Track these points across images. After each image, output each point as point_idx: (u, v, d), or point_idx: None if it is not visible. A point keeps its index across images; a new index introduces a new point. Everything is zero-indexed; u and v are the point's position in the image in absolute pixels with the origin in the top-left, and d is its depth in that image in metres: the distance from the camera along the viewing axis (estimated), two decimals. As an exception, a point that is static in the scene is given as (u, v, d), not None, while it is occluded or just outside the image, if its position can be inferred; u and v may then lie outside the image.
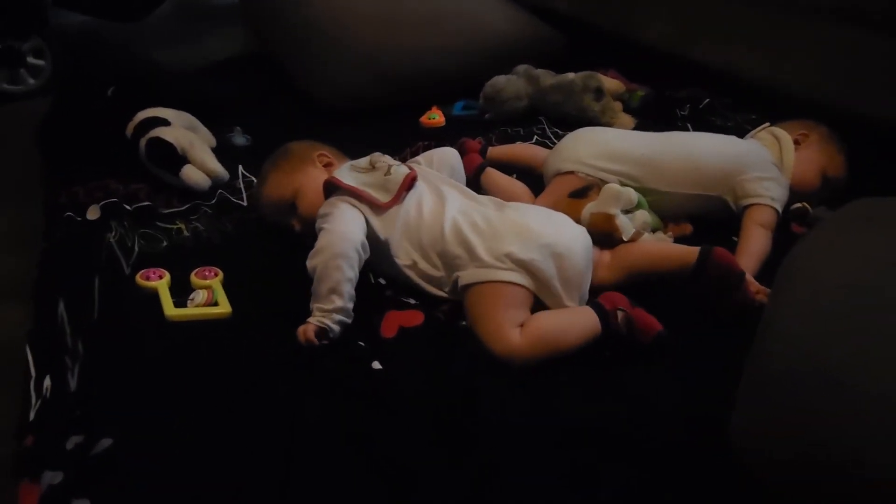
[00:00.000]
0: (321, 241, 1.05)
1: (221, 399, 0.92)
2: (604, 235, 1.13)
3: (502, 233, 1.04)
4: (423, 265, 1.08)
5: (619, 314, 0.98)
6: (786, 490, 0.71)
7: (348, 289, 1.02)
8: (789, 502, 0.72)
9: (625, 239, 1.12)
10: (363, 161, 1.18)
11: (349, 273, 1.02)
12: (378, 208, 1.10)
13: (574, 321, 1.00)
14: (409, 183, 1.12)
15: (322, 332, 1.00)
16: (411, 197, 1.12)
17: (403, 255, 1.09)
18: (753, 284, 1.09)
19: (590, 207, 1.17)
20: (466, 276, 1.03)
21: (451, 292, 1.07)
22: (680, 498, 0.81)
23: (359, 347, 1.01)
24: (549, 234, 1.04)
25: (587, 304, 1.02)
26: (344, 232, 1.05)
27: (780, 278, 0.83)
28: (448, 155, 1.26)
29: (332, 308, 1.00)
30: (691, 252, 1.07)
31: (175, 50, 1.92)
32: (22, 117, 1.76)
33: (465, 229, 1.06)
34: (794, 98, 1.47)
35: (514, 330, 0.99)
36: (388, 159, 1.17)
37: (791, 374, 0.69)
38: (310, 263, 1.04)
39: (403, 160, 1.26)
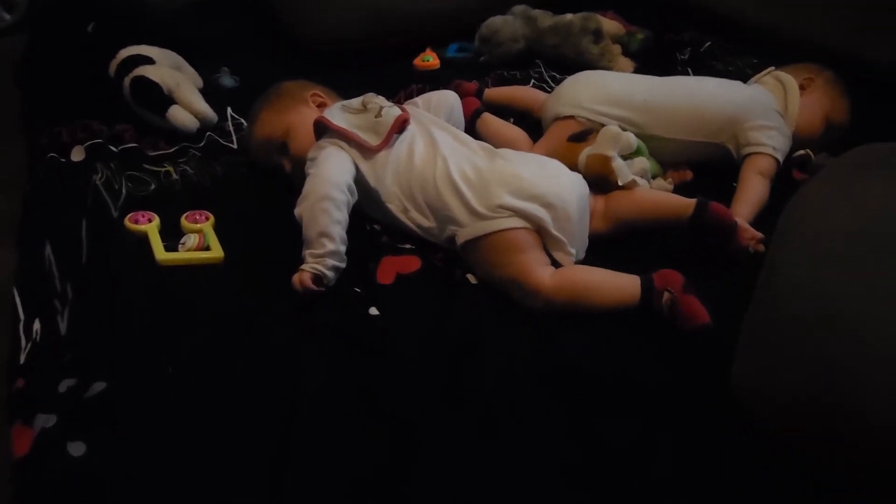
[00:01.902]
0: (306, 187, 1.04)
1: (216, 344, 0.91)
2: (600, 178, 1.11)
3: (493, 183, 1.02)
4: (414, 214, 1.06)
5: (666, 295, 0.94)
6: (790, 434, 0.72)
7: (338, 231, 1.00)
8: (793, 446, 0.73)
9: (620, 183, 1.11)
10: (355, 101, 1.14)
11: (337, 215, 1.00)
12: (367, 151, 1.07)
13: (612, 283, 0.98)
14: (400, 125, 1.09)
15: (317, 278, 0.98)
16: (402, 141, 1.09)
17: (395, 202, 1.07)
18: (748, 231, 1.09)
19: (587, 150, 1.15)
20: (465, 232, 1.01)
21: (447, 243, 1.05)
22: (681, 445, 0.82)
23: (355, 294, 1.00)
24: (541, 183, 1.02)
25: (641, 275, 0.97)
26: (329, 175, 1.03)
27: (783, 224, 0.82)
28: (447, 98, 1.22)
29: (324, 252, 0.98)
30: (687, 204, 1.05)
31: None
32: (-1, 55, 1.69)
33: (457, 179, 1.03)
34: (799, 42, 1.44)
35: (543, 268, 0.99)
36: (380, 100, 1.14)
37: (798, 320, 0.69)
38: (297, 210, 1.02)
39: (399, 103, 1.23)
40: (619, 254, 1.06)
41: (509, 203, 1.00)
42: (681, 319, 0.93)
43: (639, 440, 0.82)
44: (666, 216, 1.07)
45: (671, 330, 0.95)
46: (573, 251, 1.03)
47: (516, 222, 1.00)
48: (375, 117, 1.09)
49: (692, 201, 1.05)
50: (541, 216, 1.00)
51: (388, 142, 1.08)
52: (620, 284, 0.97)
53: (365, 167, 1.07)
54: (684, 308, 0.93)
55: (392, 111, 1.11)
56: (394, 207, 1.07)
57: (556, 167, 1.08)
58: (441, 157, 1.06)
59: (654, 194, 1.13)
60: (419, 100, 1.22)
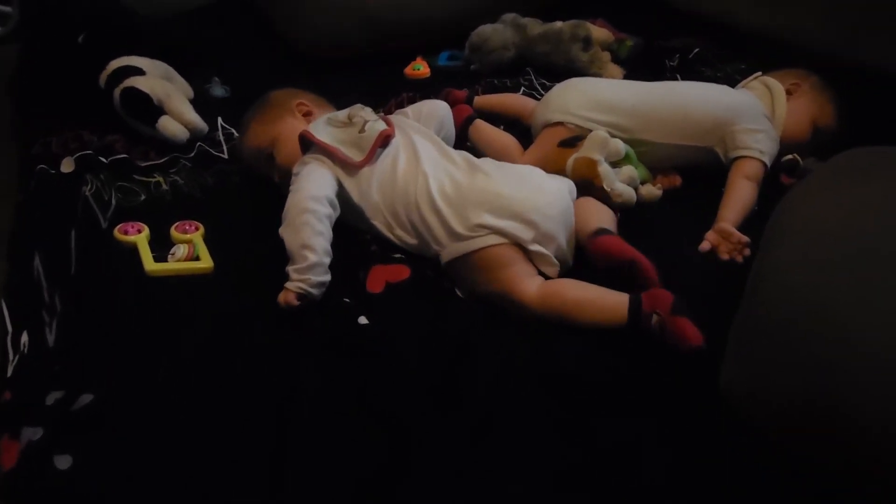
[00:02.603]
0: (288, 203, 1.04)
1: (205, 354, 0.91)
2: (585, 182, 1.11)
3: (471, 202, 1.01)
4: (398, 231, 1.06)
5: (655, 318, 0.91)
6: (781, 437, 0.72)
7: (320, 242, 0.99)
8: (785, 449, 0.73)
9: (605, 188, 1.11)
10: (341, 114, 1.14)
11: (318, 227, 1.00)
12: (351, 167, 1.07)
13: (599, 302, 0.95)
14: (383, 141, 1.09)
15: (301, 297, 0.97)
16: (386, 155, 1.09)
17: (380, 218, 1.06)
18: (735, 235, 1.08)
19: (574, 155, 1.15)
20: (447, 252, 1.01)
21: (433, 258, 1.04)
22: (676, 448, 0.82)
23: (344, 304, 1.00)
24: (521, 200, 1.01)
25: (630, 293, 0.94)
26: (309, 189, 1.03)
27: (772, 229, 0.83)
28: (437, 108, 1.22)
29: (306, 265, 0.97)
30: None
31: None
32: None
33: (436, 197, 1.03)
34: (787, 47, 1.45)
35: (528, 281, 0.98)
36: (366, 113, 1.13)
37: (788, 323, 0.69)
38: (281, 230, 1.02)
39: (388, 112, 1.23)
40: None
41: (488, 222, 0.99)
42: (672, 341, 0.90)
43: (633, 443, 0.82)
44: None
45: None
46: (557, 263, 1.02)
47: (496, 239, 0.99)
48: (359, 132, 1.09)
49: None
50: (519, 235, 0.99)
51: (370, 158, 1.08)
52: (607, 304, 0.95)
53: (349, 183, 1.07)
54: (674, 331, 0.90)
55: (376, 126, 1.10)
56: (379, 224, 1.07)
57: (539, 180, 1.06)
58: (422, 172, 1.05)
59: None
60: (409, 109, 1.22)
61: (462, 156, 1.10)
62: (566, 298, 0.96)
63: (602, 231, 1.03)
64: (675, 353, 0.90)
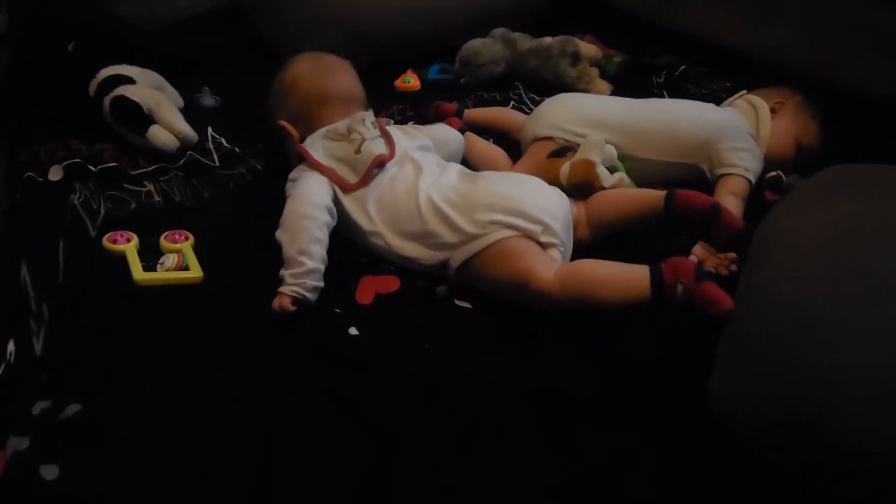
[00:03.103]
0: (286, 209, 1.04)
1: (193, 365, 0.91)
2: (584, 185, 1.12)
3: (479, 204, 1.02)
4: (400, 245, 1.05)
5: (679, 287, 0.89)
6: (769, 450, 0.73)
7: (318, 250, 1.00)
8: (772, 462, 0.74)
9: (605, 186, 1.12)
10: (341, 126, 1.13)
11: (316, 233, 1.01)
12: (346, 187, 1.08)
13: (619, 277, 0.93)
14: (378, 164, 1.08)
15: (296, 301, 0.97)
16: (384, 173, 1.08)
17: (378, 238, 1.06)
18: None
19: (569, 161, 1.16)
20: (459, 254, 1.01)
21: (438, 269, 1.04)
22: (662, 460, 0.82)
23: (334, 314, 1.00)
24: (526, 200, 1.02)
25: (649, 265, 0.93)
26: (308, 195, 1.04)
27: (757, 244, 0.84)
28: (451, 140, 1.22)
29: (302, 271, 0.98)
30: (658, 196, 1.04)
31: (140, 4, 1.84)
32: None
33: (441, 205, 1.03)
34: (772, 65, 1.47)
35: (546, 268, 0.97)
36: (365, 129, 1.12)
37: (777, 337, 0.70)
38: (277, 233, 1.03)
39: (390, 116, 1.23)
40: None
41: (498, 219, 1.00)
42: (700, 309, 0.87)
43: (619, 455, 0.83)
44: (643, 211, 1.05)
45: (652, 344, 0.95)
46: (564, 256, 1.03)
47: (508, 232, 1.00)
48: (355, 153, 1.09)
49: (662, 193, 1.03)
50: (530, 228, 1.00)
51: (365, 181, 1.07)
52: (628, 276, 0.93)
53: (345, 200, 1.07)
54: (702, 297, 0.87)
55: (372, 148, 1.09)
56: (376, 239, 1.06)
57: (539, 184, 1.08)
58: (423, 186, 1.05)
59: (629, 191, 1.12)
60: (424, 129, 1.21)
61: (460, 169, 1.11)
62: (586, 279, 0.95)
63: (671, 191, 1.04)
64: (667, 348, 0.91)
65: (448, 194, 1.04)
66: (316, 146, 1.12)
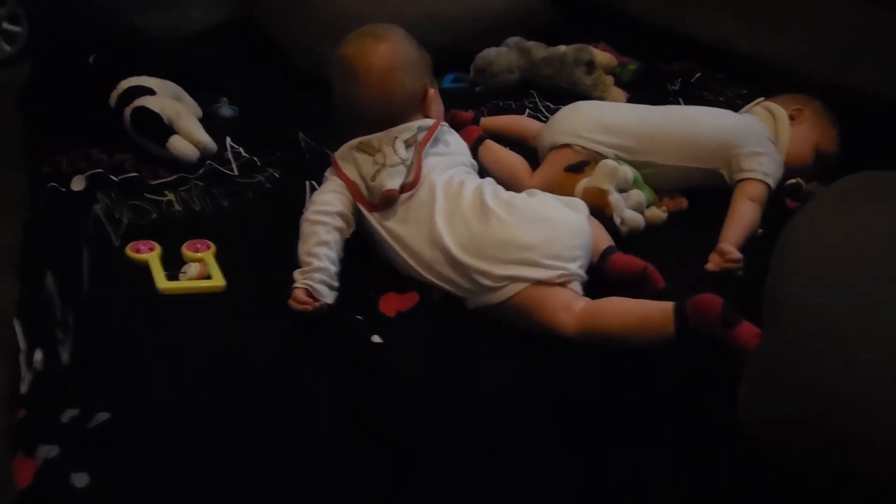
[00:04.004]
0: (310, 200, 1.09)
1: (218, 372, 0.92)
2: (596, 209, 1.13)
3: (492, 255, 0.98)
4: (416, 269, 1.04)
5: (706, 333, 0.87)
6: (794, 462, 0.72)
7: (325, 251, 1.02)
8: (797, 474, 0.73)
9: (615, 218, 1.12)
10: (375, 139, 1.09)
11: (325, 237, 1.02)
12: (365, 206, 1.08)
13: (640, 321, 0.92)
14: (386, 200, 1.05)
15: (308, 293, 0.98)
16: (400, 202, 1.06)
17: (396, 255, 1.06)
18: (731, 253, 1.10)
19: (584, 183, 1.16)
20: (472, 302, 1.00)
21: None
22: (684, 472, 0.82)
23: (357, 321, 1.01)
24: (541, 244, 0.98)
25: (675, 305, 0.90)
26: (321, 202, 1.07)
27: (780, 251, 0.84)
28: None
29: (309, 269, 1.00)
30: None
31: (158, 16, 1.86)
32: (-2, 85, 1.70)
33: (454, 251, 0.99)
34: (787, 72, 1.47)
35: (565, 314, 0.95)
36: (390, 152, 1.07)
37: (801, 347, 0.70)
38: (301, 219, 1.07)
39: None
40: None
41: (511, 273, 0.97)
42: (727, 351, 0.86)
43: (641, 463, 0.82)
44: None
45: (676, 351, 0.93)
46: (581, 280, 1.01)
47: (520, 286, 0.97)
48: (371, 179, 1.06)
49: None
50: (544, 277, 0.97)
51: (378, 208, 1.07)
52: (652, 320, 0.91)
53: (367, 214, 1.07)
54: (731, 343, 0.86)
55: (385, 179, 1.04)
56: (397, 260, 1.05)
57: (556, 217, 1.02)
58: (437, 230, 1.01)
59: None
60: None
61: (472, 199, 1.04)
62: (607, 325, 0.93)
63: (610, 250, 1.05)
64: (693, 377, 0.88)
65: (461, 237, 1.00)
66: (347, 156, 1.11)
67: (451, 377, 0.92)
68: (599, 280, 1.04)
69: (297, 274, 1.01)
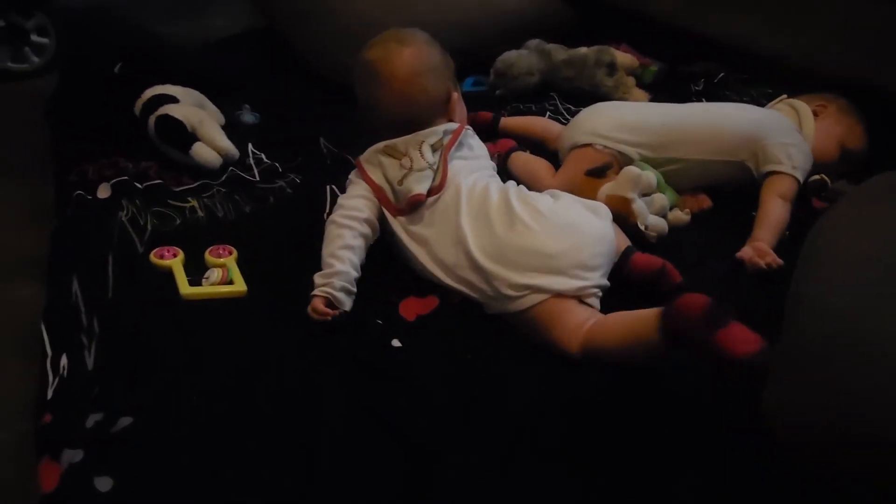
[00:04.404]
0: (337, 203, 1.09)
1: (240, 377, 0.92)
2: (620, 216, 1.11)
3: (514, 262, 0.97)
4: (437, 274, 1.03)
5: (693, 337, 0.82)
6: (820, 463, 0.71)
7: (348, 255, 1.02)
8: (823, 476, 0.72)
9: (639, 224, 1.11)
10: (401, 143, 1.08)
11: (350, 241, 1.03)
12: (391, 211, 1.08)
13: (632, 337, 0.89)
14: (411, 205, 1.05)
15: (329, 303, 0.98)
16: (426, 206, 1.05)
17: (416, 262, 1.05)
18: (769, 254, 1.08)
19: (606, 189, 1.15)
20: (491, 307, 1.00)
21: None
22: (709, 479, 0.80)
23: (377, 325, 1.01)
24: (564, 254, 0.97)
25: (662, 309, 0.86)
26: (348, 207, 1.07)
27: (807, 252, 0.83)
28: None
29: (331, 272, 1.00)
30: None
31: (181, 26, 1.89)
32: (27, 96, 1.74)
33: (477, 257, 0.99)
34: (811, 72, 1.45)
35: (571, 336, 0.93)
36: (417, 156, 1.06)
37: (827, 348, 0.68)
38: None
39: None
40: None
41: (532, 282, 0.96)
42: (717, 357, 0.80)
43: (663, 469, 0.81)
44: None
45: (697, 367, 0.90)
46: (600, 293, 1.00)
47: (540, 297, 0.96)
48: (398, 184, 1.06)
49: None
50: (564, 288, 0.96)
51: (404, 213, 1.06)
52: (645, 326, 0.87)
53: (391, 220, 1.07)
54: (716, 346, 0.80)
55: (412, 183, 1.04)
56: (418, 266, 1.05)
57: (581, 224, 1.00)
58: (462, 233, 1.01)
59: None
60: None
61: (499, 204, 1.02)
62: (605, 342, 0.92)
63: (630, 250, 1.05)
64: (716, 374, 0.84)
65: (484, 242, 1.00)
66: (373, 160, 1.10)
67: (469, 382, 0.92)
68: (618, 282, 1.03)
69: (317, 278, 1.01)
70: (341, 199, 1.10)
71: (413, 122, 1.10)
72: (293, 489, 0.79)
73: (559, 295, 0.96)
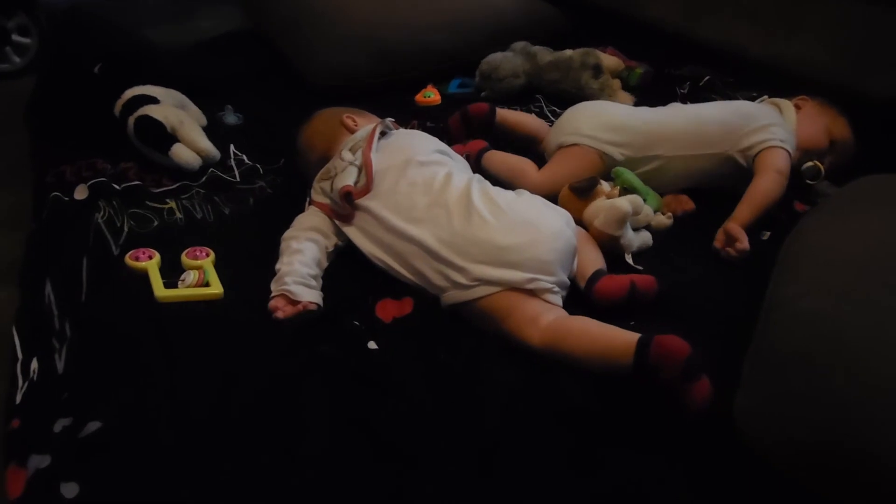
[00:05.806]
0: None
1: (213, 381, 0.90)
2: (606, 246, 1.11)
3: (468, 254, 0.98)
4: (399, 269, 1.04)
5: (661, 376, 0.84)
6: (794, 469, 0.70)
7: (297, 258, 1.04)
8: (799, 483, 0.71)
9: (627, 257, 1.10)
10: (331, 164, 1.15)
11: (296, 246, 1.06)
12: (339, 219, 1.11)
13: (602, 348, 0.90)
14: (345, 197, 1.09)
15: (286, 298, 0.99)
16: (367, 204, 1.07)
17: (378, 260, 1.06)
18: (739, 240, 1.08)
19: (592, 218, 1.12)
20: (448, 297, 1.00)
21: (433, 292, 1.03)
22: (685, 479, 0.80)
23: (354, 327, 0.99)
24: (518, 248, 0.98)
25: (640, 337, 0.87)
26: (297, 221, 1.13)
27: (785, 257, 0.82)
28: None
29: (280, 275, 1.03)
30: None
31: (166, 27, 1.88)
32: (8, 96, 1.72)
33: (433, 248, 1.00)
34: (801, 77, 1.45)
35: (531, 326, 0.94)
36: (339, 162, 1.12)
37: (805, 354, 0.67)
38: None
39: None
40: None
41: (485, 274, 0.97)
42: (682, 402, 0.84)
43: (642, 475, 0.80)
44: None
45: None
46: (559, 290, 1.00)
47: (494, 288, 0.97)
48: (331, 191, 1.11)
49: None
50: (516, 280, 0.97)
51: (348, 213, 1.09)
52: (614, 350, 0.89)
53: (345, 228, 1.10)
54: (685, 396, 0.83)
55: (338, 184, 1.09)
56: (380, 265, 1.07)
57: (538, 220, 1.02)
58: (415, 226, 1.02)
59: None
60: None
61: (463, 193, 1.04)
62: (570, 348, 0.92)
63: (597, 275, 1.03)
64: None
65: (441, 230, 1.01)
66: (317, 188, 1.17)
67: (445, 383, 0.91)
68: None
69: (272, 285, 1.03)
70: (295, 221, 1.13)
71: (326, 153, 1.21)
72: (268, 496, 0.78)
73: (513, 288, 0.97)
